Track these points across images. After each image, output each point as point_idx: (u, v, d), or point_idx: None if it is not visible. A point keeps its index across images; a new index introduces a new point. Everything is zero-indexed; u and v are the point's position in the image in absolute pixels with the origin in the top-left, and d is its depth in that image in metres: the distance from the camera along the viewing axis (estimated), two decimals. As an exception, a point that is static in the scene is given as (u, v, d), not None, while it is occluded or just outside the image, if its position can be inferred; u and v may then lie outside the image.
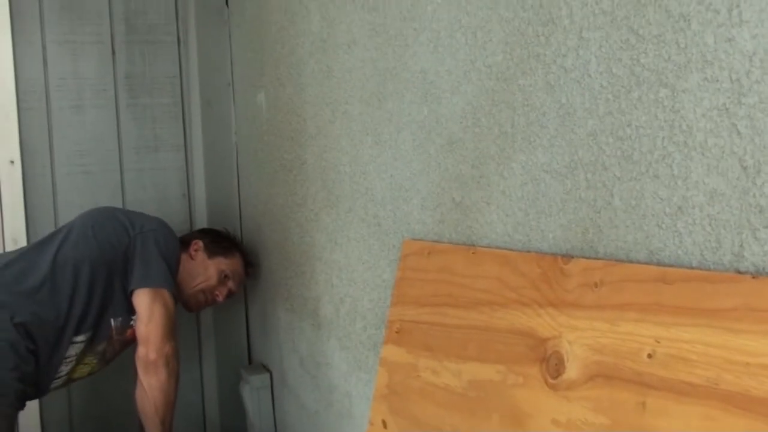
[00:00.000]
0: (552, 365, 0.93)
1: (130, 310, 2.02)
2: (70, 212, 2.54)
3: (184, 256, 2.21)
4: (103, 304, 1.99)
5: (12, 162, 2.55)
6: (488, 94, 1.10)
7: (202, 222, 2.72)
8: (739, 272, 0.69)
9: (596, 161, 0.88)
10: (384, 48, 1.45)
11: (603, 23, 0.86)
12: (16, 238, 2.54)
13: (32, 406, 2.43)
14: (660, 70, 0.78)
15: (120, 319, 2.03)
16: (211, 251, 2.28)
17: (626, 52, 0.82)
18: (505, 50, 1.05)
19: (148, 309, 1.96)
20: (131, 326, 2.05)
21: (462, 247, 1.18)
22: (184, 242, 2.26)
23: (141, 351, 1.94)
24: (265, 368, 2.51)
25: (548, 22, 0.95)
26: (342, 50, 1.66)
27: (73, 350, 1.95)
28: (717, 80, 0.71)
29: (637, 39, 0.81)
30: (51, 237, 2.04)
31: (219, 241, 2.36)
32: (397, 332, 1.31)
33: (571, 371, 0.89)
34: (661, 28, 0.78)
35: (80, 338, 1.95)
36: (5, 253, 2.17)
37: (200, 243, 2.27)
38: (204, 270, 2.25)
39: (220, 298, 2.30)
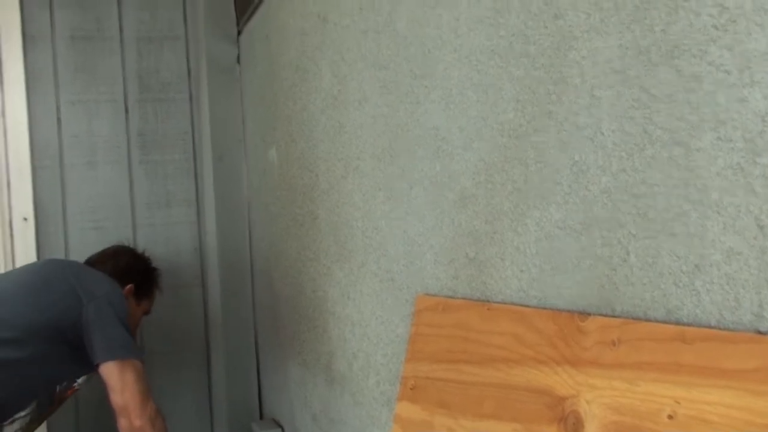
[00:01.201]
0: (570, 425, 0.92)
1: (78, 374, 2.04)
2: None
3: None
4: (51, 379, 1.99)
5: (25, 219, 2.58)
6: (500, 150, 1.11)
7: (213, 275, 2.73)
8: (760, 332, 0.69)
9: (611, 218, 0.88)
10: (395, 105, 1.46)
11: (614, 82, 0.86)
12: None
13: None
14: (673, 128, 0.79)
15: (65, 384, 2.05)
16: (139, 296, 2.27)
17: (638, 110, 0.83)
18: (517, 108, 1.06)
19: (119, 380, 1.88)
20: (73, 387, 2.09)
21: (476, 303, 1.18)
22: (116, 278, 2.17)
23: (123, 422, 1.87)
24: (277, 423, 2.49)
25: (559, 80, 0.96)
26: (353, 107, 1.68)
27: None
28: (730, 140, 0.72)
29: (649, 98, 0.81)
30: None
31: (145, 281, 2.32)
32: (411, 389, 1.30)
33: (590, 431, 0.88)
34: (672, 88, 0.78)
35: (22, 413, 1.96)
36: None
37: (131, 288, 2.22)
38: (132, 315, 2.19)
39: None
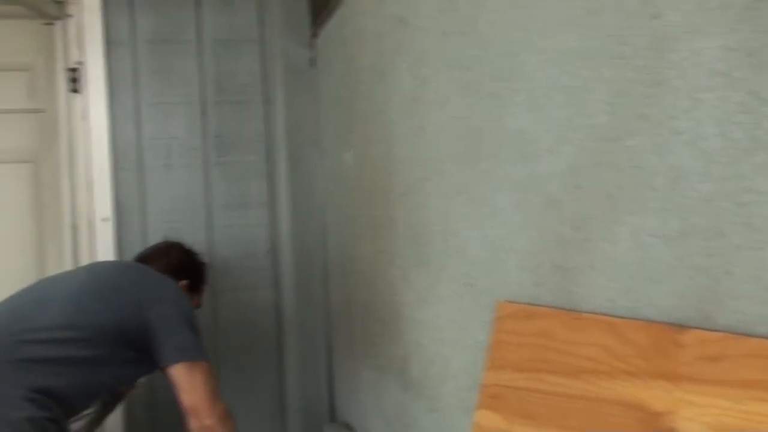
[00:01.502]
0: (666, 441, 0.88)
1: (141, 375, 2.06)
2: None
3: None
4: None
5: (106, 219, 2.62)
6: (590, 154, 1.08)
7: (287, 278, 2.75)
8: None
9: (712, 228, 0.84)
10: (477, 107, 1.44)
11: (718, 85, 0.83)
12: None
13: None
14: (784, 133, 0.75)
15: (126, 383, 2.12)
16: (191, 291, 2.27)
17: (745, 115, 0.79)
18: (609, 110, 1.03)
19: (188, 381, 1.90)
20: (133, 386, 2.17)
21: (562, 311, 1.14)
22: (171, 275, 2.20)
23: (193, 423, 1.88)
24: (349, 427, 2.48)
25: (657, 82, 0.92)
26: (433, 109, 1.66)
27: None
28: None
29: (758, 102, 0.77)
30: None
31: (197, 277, 2.34)
32: (492, 397, 1.27)
33: (690, 449, 0.84)
34: (784, 91, 0.74)
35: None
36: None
37: (186, 284, 2.24)
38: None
39: None
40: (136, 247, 2.63)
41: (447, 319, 1.64)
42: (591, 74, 1.07)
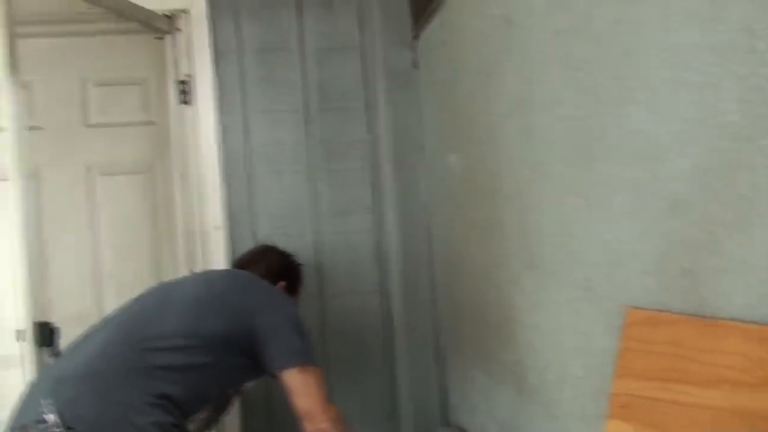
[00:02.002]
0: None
1: (249, 380, 2.11)
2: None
3: None
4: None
5: (217, 228, 2.68)
6: (720, 154, 1.03)
7: (394, 282, 2.75)
8: None
9: None
10: (591, 107, 1.40)
11: None
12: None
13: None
14: None
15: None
16: (289, 293, 2.30)
17: None
18: (741, 109, 0.98)
19: (301, 386, 1.92)
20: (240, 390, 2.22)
21: (693, 318, 1.10)
22: (270, 279, 2.23)
23: (309, 427, 1.89)
24: (462, 430, 2.47)
25: (796, 78, 0.88)
26: (542, 110, 1.63)
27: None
28: None
29: None
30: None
31: (294, 278, 2.37)
32: (622, 407, 1.23)
33: None
34: None
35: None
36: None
37: (284, 285, 2.27)
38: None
39: None
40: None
41: (562, 324, 1.60)
42: (719, 71, 1.02)
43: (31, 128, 2.23)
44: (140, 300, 2.03)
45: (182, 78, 2.74)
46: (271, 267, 2.28)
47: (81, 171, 2.79)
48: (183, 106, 2.74)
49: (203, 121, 2.72)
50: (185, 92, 2.73)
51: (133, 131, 2.81)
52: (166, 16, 2.74)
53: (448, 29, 2.33)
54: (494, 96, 1.93)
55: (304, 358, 1.95)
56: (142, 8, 2.61)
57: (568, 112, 1.50)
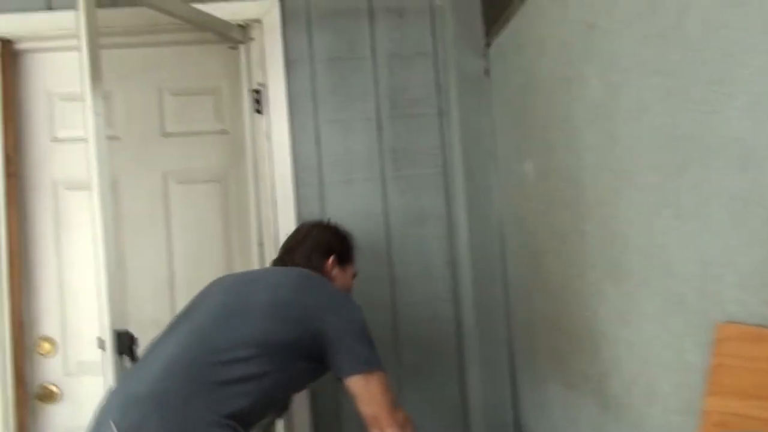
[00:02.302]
0: None
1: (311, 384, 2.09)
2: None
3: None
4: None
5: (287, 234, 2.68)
6: (831, 163, 0.98)
7: (466, 290, 2.72)
8: None
9: None
10: (683, 114, 1.36)
11: None
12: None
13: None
14: None
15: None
16: (342, 262, 2.30)
17: None
18: None
19: (366, 392, 1.92)
20: None
21: (800, 334, 1.05)
22: (315, 263, 2.24)
23: None
24: (537, 443, 2.42)
25: None
26: (628, 117, 1.58)
27: None
28: None
29: None
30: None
31: (343, 247, 2.34)
32: (716, 425, 1.19)
33: None
34: None
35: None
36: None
37: (335, 259, 2.27)
38: (342, 282, 2.28)
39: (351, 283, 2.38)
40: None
41: (650, 337, 1.55)
42: (831, 75, 0.97)
43: (109, 138, 2.26)
44: (203, 305, 2.03)
45: (255, 87, 2.76)
46: (317, 245, 2.28)
47: (157, 179, 2.83)
48: (256, 115, 2.77)
49: (276, 130, 2.74)
50: (258, 101, 2.76)
51: (208, 140, 2.84)
52: (240, 26, 2.77)
53: (523, 36, 2.30)
54: (574, 103, 1.89)
55: (369, 365, 1.94)
56: (217, 19, 2.64)
57: (658, 119, 1.45)
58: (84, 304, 2.77)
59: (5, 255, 2.68)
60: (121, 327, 2.11)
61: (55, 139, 2.83)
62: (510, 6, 2.38)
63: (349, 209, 2.77)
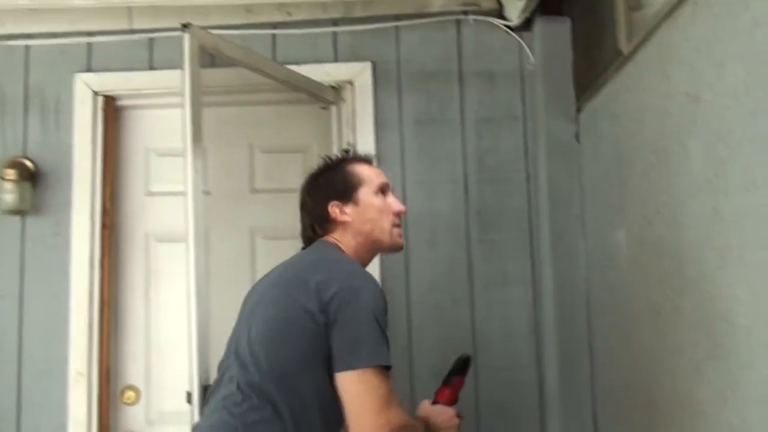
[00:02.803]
0: None
1: None
2: (422, 345, 2.64)
3: (336, 233, 1.92)
4: None
5: (372, 295, 2.69)
6: None
7: (550, 357, 2.67)
8: None
9: None
10: (798, 194, 1.32)
11: None
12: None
13: None
14: None
15: None
16: (349, 198, 1.92)
17: None
18: None
19: (351, 396, 1.63)
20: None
21: None
22: (323, 219, 1.93)
23: None
24: None
25: None
26: (736, 193, 1.54)
27: None
28: None
29: None
30: None
31: (343, 184, 1.94)
32: None
33: None
34: None
35: None
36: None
37: (338, 204, 1.91)
38: (367, 219, 1.92)
39: (400, 208, 1.99)
40: (401, 323, 2.68)
41: (757, 422, 1.49)
42: None
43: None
44: (238, 333, 1.85)
45: (345, 147, 2.80)
46: (311, 209, 1.97)
47: (245, 235, 2.88)
48: (345, 174, 2.80)
49: (364, 190, 2.76)
50: (347, 161, 2.79)
51: (296, 197, 2.87)
52: (333, 87, 2.83)
53: (619, 104, 2.28)
54: (675, 175, 1.85)
55: (362, 359, 1.63)
56: (311, 80, 2.70)
57: (769, 197, 1.41)
58: (169, 354, 2.81)
59: (97, 304, 2.75)
60: (207, 382, 2.13)
61: (150, 193, 2.91)
62: (604, 73, 2.37)
63: (432, 271, 2.76)
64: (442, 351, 2.69)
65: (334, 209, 1.91)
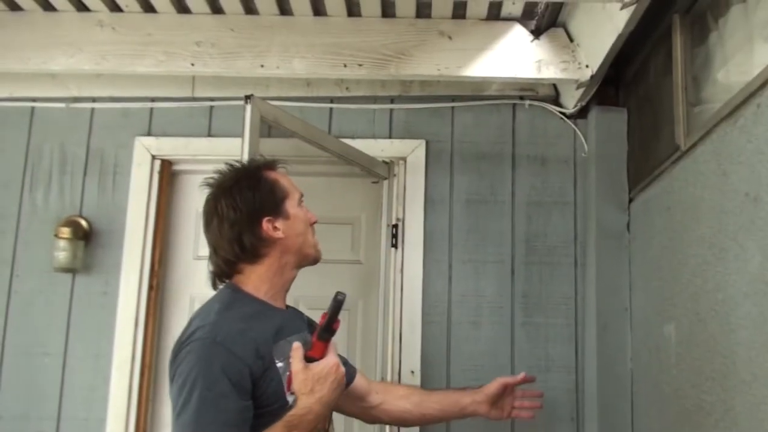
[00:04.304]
0: None
1: None
2: (462, 426, 2.59)
3: (271, 251, 1.72)
4: None
5: (412, 372, 2.69)
6: None
7: (591, 449, 2.61)
8: None
9: None
10: None
11: None
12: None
13: None
14: None
15: None
16: (279, 214, 1.73)
17: None
18: None
19: None
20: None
21: None
22: (253, 238, 1.69)
23: None
24: None
25: None
26: (795, 297, 1.52)
27: None
28: None
29: None
30: None
31: (267, 195, 1.74)
32: None
33: None
34: None
35: None
36: None
37: (269, 219, 1.71)
38: (293, 229, 1.75)
39: (314, 218, 1.84)
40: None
41: None
42: None
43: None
44: None
45: (394, 222, 2.82)
46: (237, 229, 1.70)
47: (291, 303, 2.88)
48: (392, 249, 2.81)
49: (409, 265, 2.78)
50: (395, 236, 2.81)
51: (342, 269, 2.89)
52: (385, 162, 2.86)
53: (673, 197, 2.27)
54: (729, 273, 1.83)
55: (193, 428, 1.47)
56: (365, 155, 2.75)
57: (832, 304, 1.39)
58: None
59: (138, 366, 2.76)
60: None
61: (198, 257, 2.94)
62: (660, 165, 2.37)
63: (474, 351, 2.74)
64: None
65: (267, 225, 1.71)
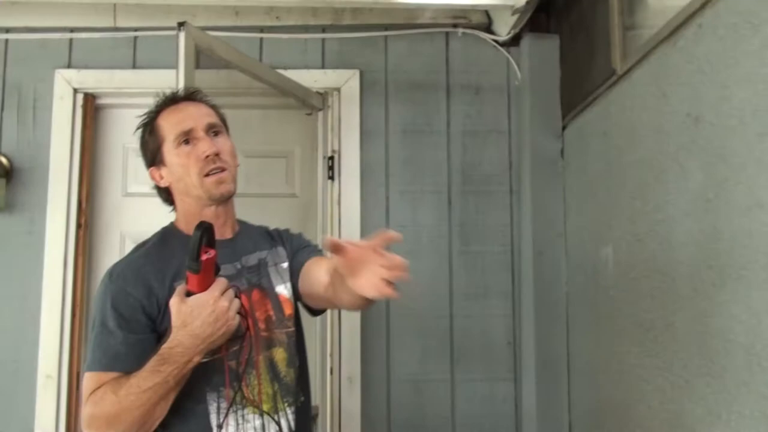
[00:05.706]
0: None
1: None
2: (401, 354, 2.63)
3: (173, 196, 1.72)
4: None
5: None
6: None
7: (528, 371, 2.68)
8: None
9: None
10: (806, 215, 1.34)
11: None
12: (350, 377, 2.67)
13: None
14: None
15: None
16: (161, 160, 1.68)
17: None
18: None
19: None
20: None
21: None
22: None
23: None
24: None
25: None
26: (738, 213, 1.57)
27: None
28: None
29: None
30: None
31: (150, 143, 1.69)
32: None
33: None
34: None
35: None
36: None
37: (153, 170, 1.71)
38: (173, 175, 1.68)
39: (204, 151, 1.64)
40: (380, 330, 2.69)
41: (752, 440, 1.51)
42: None
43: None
44: None
45: (329, 154, 2.78)
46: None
47: (225, 238, 2.84)
48: (328, 181, 2.78)
49: (347, 197, 2.76)
50: (331, 168, 2.77)
51: (277, 202, 2.85)
52: (319, 93, 2.81)
53: (609, 122, 2.30)
54: (670, 193, 1.88)
55: (87, 365, 1.56)
56: (300, 86, 2.69)
57: (775, 217, 1.44)
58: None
59: (69, 305, 2.68)
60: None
61: (127, 194, 2.85)
62: (595, 91, 2.40)
63: (414, 281, 2.74)
64: (421, 360, 2.70)
65: (154, 174, 1.72)
